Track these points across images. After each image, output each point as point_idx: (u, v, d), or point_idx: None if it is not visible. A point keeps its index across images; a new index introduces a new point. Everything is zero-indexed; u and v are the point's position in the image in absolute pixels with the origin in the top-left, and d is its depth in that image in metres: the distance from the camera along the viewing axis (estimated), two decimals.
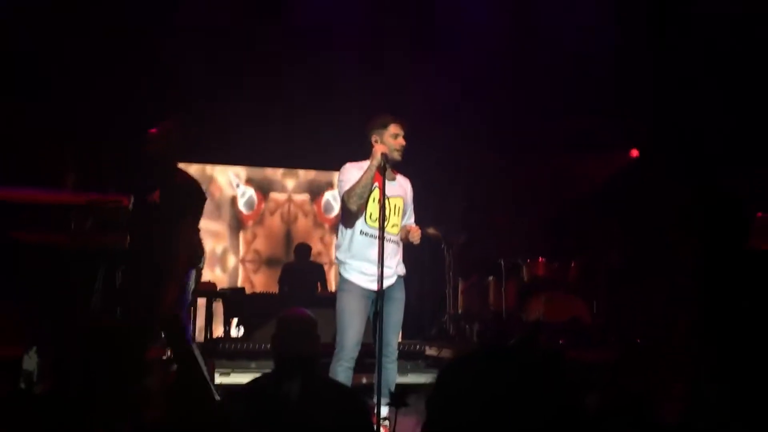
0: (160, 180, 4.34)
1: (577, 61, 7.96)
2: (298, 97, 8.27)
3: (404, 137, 4.11)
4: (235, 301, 7.12)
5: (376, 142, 4.12)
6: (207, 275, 8.21)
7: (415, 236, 4.07)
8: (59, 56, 7.31)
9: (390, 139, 4.09)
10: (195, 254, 4.39)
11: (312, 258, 8.24)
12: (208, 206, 4.64)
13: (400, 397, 2.83)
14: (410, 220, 4.27)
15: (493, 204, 8.61)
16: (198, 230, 4.48)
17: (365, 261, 4.00)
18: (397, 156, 4.06)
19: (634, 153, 8.72)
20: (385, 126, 4.11)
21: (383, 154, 3.94)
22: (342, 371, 3.85)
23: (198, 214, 4.41)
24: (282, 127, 8.53)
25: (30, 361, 3.62)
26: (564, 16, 7.80)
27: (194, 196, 4.34)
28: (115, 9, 7.24)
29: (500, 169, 8.66)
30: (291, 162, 9.40)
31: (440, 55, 8.09)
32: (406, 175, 4.31)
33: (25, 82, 7.25)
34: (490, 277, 7.91)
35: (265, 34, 7.76)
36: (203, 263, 4.68)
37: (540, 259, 7.78)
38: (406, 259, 4.31)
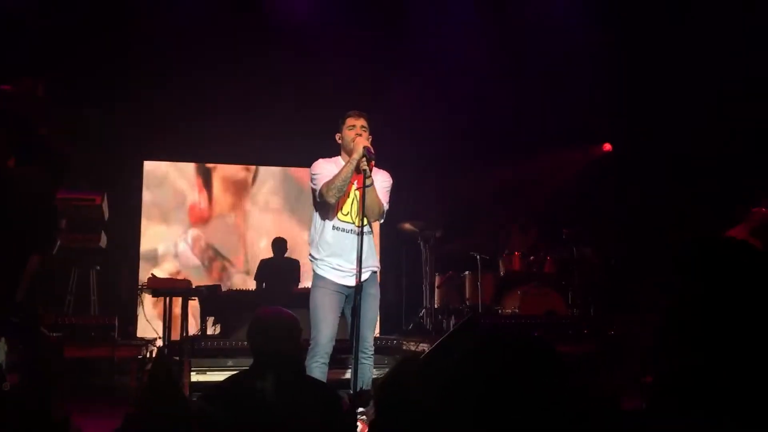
0: (23, 142, 3.69)
1: (558, 58, 8.06)
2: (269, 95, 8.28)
3: (365, 128, 4.10)
4: (211, 298, 7.08)
5: (339, 139, 4.17)
6: None
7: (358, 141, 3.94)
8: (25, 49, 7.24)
9: (347, 131, 4.11)
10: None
11: (288, 253, 8.22)
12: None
13: (361, 395, 2.85)
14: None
15: (469, 199, 8.65)
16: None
17: (338, 257, 4.02)
18: (354, 144, 3.97)
19: (607, 147, 8.82)
20: (343, 120, 4.16)
21: (365, 147, 3.93)
22: (317, 367, 3.86)
23: (58, 186, 3.76)
24: (255, 125, 8.52)
25: None
26: (548, 14, 7.89)
27: (62, 166, 3.81)
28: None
29: (477, 165, 8.71)
30: (263, 159, 9.33)
31: (420, 52, 8.13)
32: (384, 168, 4.28)
33: None
34: (466, 272, 7.95)
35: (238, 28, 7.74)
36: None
37: (516, 253, 7.84)
38: (383, 255, 4.32)
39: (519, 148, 8.74)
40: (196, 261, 9.05)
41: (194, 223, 9.10)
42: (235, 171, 9.39)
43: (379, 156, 4.05)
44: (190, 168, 9.20)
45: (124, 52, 7.59)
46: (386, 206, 4.15)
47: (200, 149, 8.86)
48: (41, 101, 3.96)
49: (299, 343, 3.12)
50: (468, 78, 8.36)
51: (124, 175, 8.46)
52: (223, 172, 9.33)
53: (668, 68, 7.64)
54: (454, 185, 8.59)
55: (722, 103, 7.23)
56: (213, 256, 9.12)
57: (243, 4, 7.73)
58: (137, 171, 8.83)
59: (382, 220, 4.25)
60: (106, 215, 6.06)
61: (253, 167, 9.42)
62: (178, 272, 8.79)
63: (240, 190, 9.35)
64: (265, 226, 9.14)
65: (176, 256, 8.96)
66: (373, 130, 4.19)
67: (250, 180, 9.41)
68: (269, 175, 9.47)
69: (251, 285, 8.16)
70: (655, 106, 7.89)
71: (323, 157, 4.20)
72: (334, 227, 4.05)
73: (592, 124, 8.47)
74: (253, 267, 8.39)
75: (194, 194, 9.15)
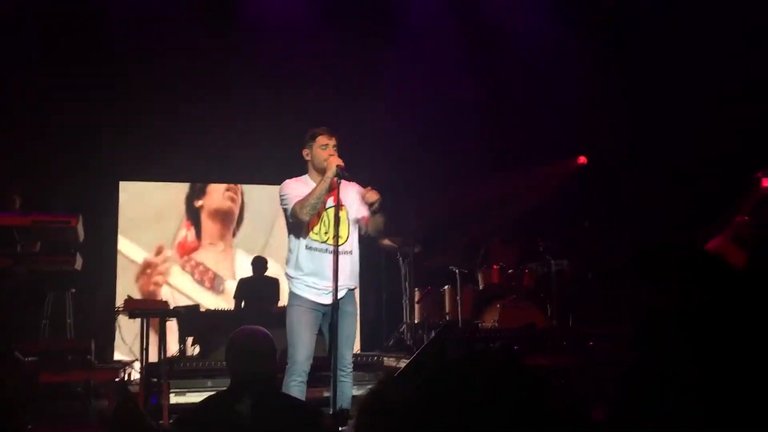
0: None
1: (534, 71, 8.14)
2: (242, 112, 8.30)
3: (335, 147, 4.11)
4: (190, 319, 7.02)
5: (307, 156, 4.17)
6: None
7: (369, 195, 3.99)
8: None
9: (319, 151, 4.10)
10: None
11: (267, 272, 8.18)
12: None
13: (341, 414, 2.84)
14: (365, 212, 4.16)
15: (447, 214, 8.67)
16: None
17: (313, 275, 4.02)
18: (328, 163, 3.99)
19: (582, 160, 8.90)
20: (313, 138, 4.14)
21: (338, 166, 3.95)
22: (295, 386, 3.84)
23: None
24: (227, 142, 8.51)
25: None
26: (528, 26, 7.99)
27: None
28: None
29: (454, 180, 8.75)
30: (233, 177, 9.27)
31: (397, 66, 8.19)
32: (360, 184, 4.29)
33: None
34: (446, 286, 7.97)
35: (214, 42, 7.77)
36: None
37: (494, 266, 7.87)
38: (363, 271, 4.31)
39: (497, 162, 8.79)
40: (188, 275, 9.02)
41: (182, 255, 9.08)
42: (221, 201, 9.31)
43: (355, 171, 4.08)
44: (179, 204, 9.14)
45: (98, 63, 7.58)
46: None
47: (177, 168, 8.81)
48: None
49: (275, 362, 3.10)
50: (444, 94, 8.43)
51: (100, 195, 8.39)
52: (210, 206, 9.26)
53: (668, 69, 7.74)
54: (431, 200, 8.62)
55: (722, 103, 7.31)
56: (204, 270, 9.10)
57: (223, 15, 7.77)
58: (112, 191, 8.74)
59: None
60: (82, 237, 6.00)
61: (239, 197, 9.36)
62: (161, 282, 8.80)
63: (227, 220, 9.30)
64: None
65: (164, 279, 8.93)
66: (351, 146, 4.21)
67: (236, 211, 9.36)
68: (254, 203, 9.41)
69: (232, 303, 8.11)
70: (654, 108, 7.97)
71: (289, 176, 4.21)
72: (307, 247, 4.06)
73: (586, 129, 8.52)
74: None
75: (182, 231, 9.10)
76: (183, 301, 8.58)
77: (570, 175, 9.01)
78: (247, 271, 8.36)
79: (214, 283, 9.04)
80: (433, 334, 7.42)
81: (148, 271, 8.83)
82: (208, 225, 9.22)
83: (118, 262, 8.68)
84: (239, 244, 9.25)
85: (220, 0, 7.93)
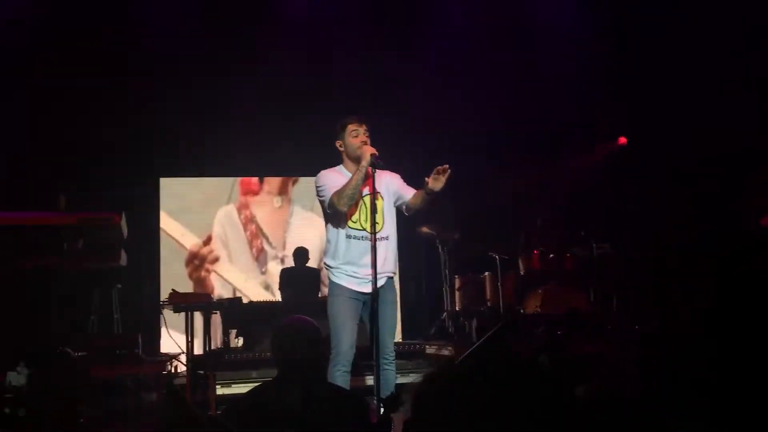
0: None
1: (565, 62, 8.10)
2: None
3: (367, 133, 4.09)
4: (233, 311, 7.09)
5: (340, 146, 4.17)
6: None
7: (437, 179, 3.97)
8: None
9: (351, 139, 4.10)
10: None
11: (310, 262, 8.24)
12: None
13: (394, 400, 2.84)
14: (408, 195, 4.18)
15: (486, 200, 8.62)
16: None
17: (352, 264, 4.03)
18: (362, 152, 3.97)
19: (622, 140, 8.75)
20: (344, 128, 4.14)
21: (372, 155, 3.94)
22: (339, 375, 3.86)
23: None
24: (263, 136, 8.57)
25: (19, 377, 3.55)
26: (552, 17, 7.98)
27: None
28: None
29: (492, 167, 8.70)
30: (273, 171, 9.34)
31: (434, 53, 8.20)
32: (397, 172, 4.30)
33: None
34: (486, 273, 7.91)
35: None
36: None
37: (535, 251, 7.78)
38: (402, 259, 4.31)
39: (532, 150, 8.72)
40: (241, 232, 9.15)
41: (244, 193, 9.24)
42: None
43: (391, 159, 4.07)
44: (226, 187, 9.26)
45: (137, 64, 7.70)
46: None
47: (214, 163, 8.90)
48: None
49: (321, 351, 3.12)
50: (482, 80, 8.39)
51: (141, 191, 8.52)
52: None
53: (668, 68, 7.65)
54: (469, 187, 8.57)
55: (722, 102, 7.21)
56: (255, 232, 9.22)
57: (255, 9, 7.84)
58: (153, 188, 8.87)
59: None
60: (126, 234, 6.10)
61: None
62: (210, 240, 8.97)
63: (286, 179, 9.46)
64: (307, 224, 9.15)
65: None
66: (387, 135, 4.19)
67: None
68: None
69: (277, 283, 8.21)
70: (656, 103, 7.89)
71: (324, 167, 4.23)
72: (347, 236, 4.06)
73: (599, 124, 8.49)
74: (289, 254, 8.50)
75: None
76: (229, 288, 8.75)
77: (609, 158, 8.89)
78: (298, 230, 8.54)
79: (260, 256, 9.14)
80: (475, 323, 7.42)
81: (196, 262, 9.00)
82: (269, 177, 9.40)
83: (166, 247, 8.83)
84: (296, 200, 9.33)
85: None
